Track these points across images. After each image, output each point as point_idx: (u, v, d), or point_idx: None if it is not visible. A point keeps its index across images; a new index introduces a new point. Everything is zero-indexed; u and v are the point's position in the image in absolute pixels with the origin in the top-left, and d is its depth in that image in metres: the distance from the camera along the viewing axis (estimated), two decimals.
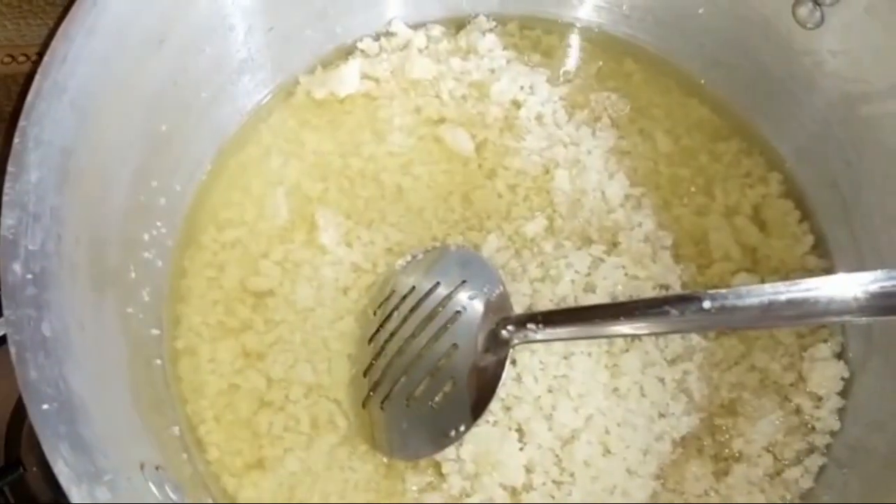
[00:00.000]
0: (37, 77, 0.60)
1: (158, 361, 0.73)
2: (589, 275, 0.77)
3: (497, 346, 0.71)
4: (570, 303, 0.76)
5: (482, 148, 0.85)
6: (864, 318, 0.57)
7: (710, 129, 0.88)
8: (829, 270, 0.80)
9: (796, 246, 0.81)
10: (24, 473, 0.82)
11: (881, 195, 0.76)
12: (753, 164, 0.86)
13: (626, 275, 0.77)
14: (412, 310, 0.74)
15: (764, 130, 0.86)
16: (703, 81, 0.89)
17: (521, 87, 0.87)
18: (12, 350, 0.53)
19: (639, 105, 0.88)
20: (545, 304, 0.75)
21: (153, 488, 0.57)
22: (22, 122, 0.59)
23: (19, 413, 0.86)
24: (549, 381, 0.72)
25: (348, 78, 0.86)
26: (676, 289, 0.77)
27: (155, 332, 0.74)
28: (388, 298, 0.75)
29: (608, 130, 0.86)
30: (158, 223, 0.76)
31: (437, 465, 0.71)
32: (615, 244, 0.79)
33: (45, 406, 0.52)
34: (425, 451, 0.71)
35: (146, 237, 0.74)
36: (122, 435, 0.59)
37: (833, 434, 0.73)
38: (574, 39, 0.93)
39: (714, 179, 0.84)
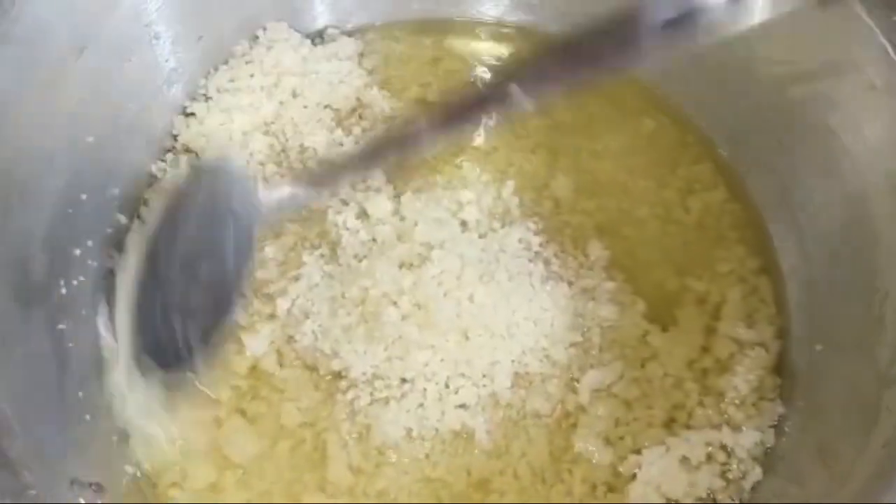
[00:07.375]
0: None
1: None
2: None
3: None
4: None
5: None
6: None
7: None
8: (771, 262, 0.80)
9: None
10: None
11: (817, 177, 0.75)
12: (687, 152, 0.86)
13: None
14: None
15: (696, 118, 0.86)
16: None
17: None
18: None
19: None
20: None
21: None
22: None
23: None
24: None
25: None
26: None
27: (92, 347, 0.71)
28: None
29: None
30: (89, 238, 0.73)
31: None
32: None
33: None
34: None
35: (77, 252, 0.72)
36: (52, 451, 0.57)
37: None
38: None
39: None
